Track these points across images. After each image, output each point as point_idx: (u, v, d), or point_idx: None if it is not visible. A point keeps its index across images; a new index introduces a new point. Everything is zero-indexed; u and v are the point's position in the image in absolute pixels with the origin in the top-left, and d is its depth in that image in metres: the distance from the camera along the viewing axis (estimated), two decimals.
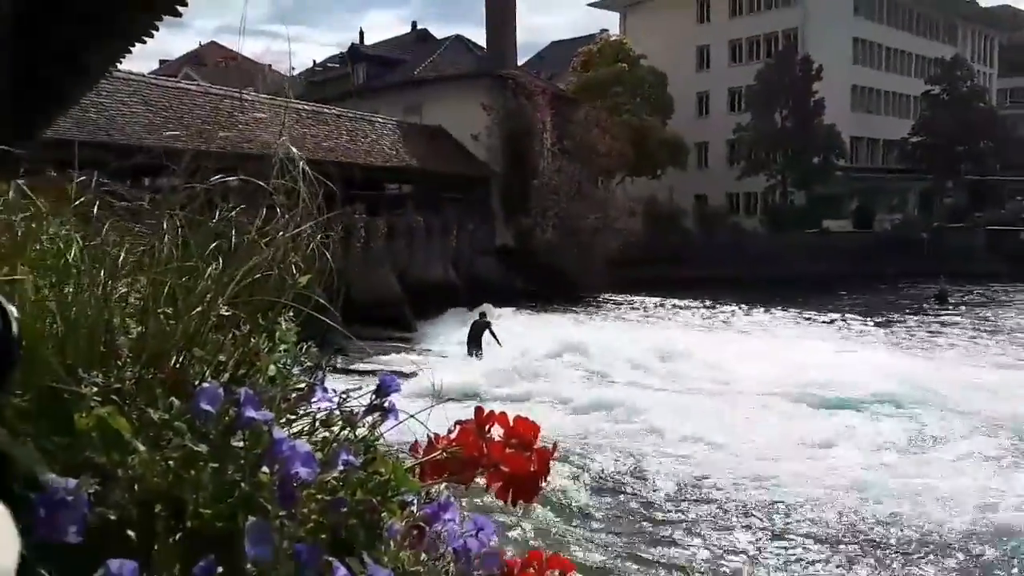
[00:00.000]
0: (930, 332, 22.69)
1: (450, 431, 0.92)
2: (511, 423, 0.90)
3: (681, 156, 42.70)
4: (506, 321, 23.09)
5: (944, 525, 8.61)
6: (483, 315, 19.56)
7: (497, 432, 0.91)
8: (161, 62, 49.28)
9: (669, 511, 9.40)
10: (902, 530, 8.60)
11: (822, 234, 40.72)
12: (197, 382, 0.82)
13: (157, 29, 6.98)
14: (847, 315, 25.63)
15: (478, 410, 0.91)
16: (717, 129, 47.35)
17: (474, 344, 18.77)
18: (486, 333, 18.85)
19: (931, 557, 8.02)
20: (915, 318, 25.36)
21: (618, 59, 41.90)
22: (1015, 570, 7.79)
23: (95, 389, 0.73)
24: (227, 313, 0.96)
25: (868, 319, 24.99)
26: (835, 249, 38.62)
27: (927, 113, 47.16)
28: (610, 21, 56.58)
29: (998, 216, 44.69)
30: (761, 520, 9.02)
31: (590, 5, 57.30)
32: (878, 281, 34.41)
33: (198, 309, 0.93)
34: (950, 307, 27.40)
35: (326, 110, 28.01)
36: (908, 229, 42.39)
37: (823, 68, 41.38)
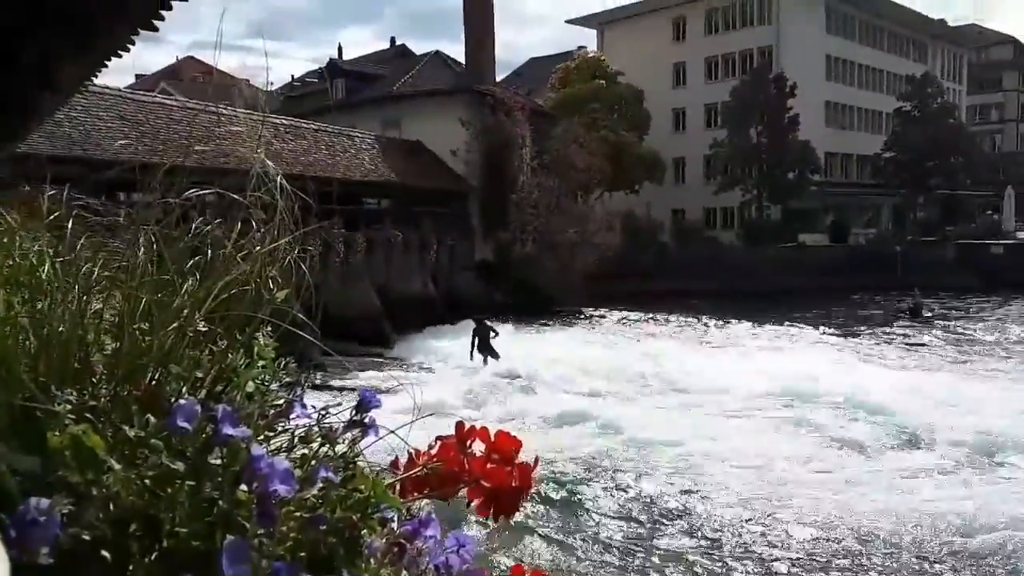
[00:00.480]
0: (906, 345, 22.94)
1: (431, 447, 0.91)
2: (492, 438, 0.90)
3: (658, 171, 43.08)
4: None
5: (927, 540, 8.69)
6: (479, 320, 19.38)
7: (479, 447, 0.91)
8: (137, 76, 48.95)
9: (657, 527, 9.38)
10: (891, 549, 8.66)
11: (798, 248, 41.17)
12: (174, 399, 0.81)
13: (133, 43, 6.92)
14: (824, 328, 25.90)
15: (459, 425, 0.90)
16: (694, 145, 47.89)
17: (486, 349, 18.65)
18: (491, 334, 18.77)
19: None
20: (890, 331, 25.66)
21: (595, 76, 42.28)
22: None
23: (69, 407, 0.72)
24: (204, 329, 0.94)
25: (845, 331, 25.28)
26: (811, 263, 39.05)
27: (899, 129, 48.02)
28: (587, 38, 57.14)
29: (969, 230, 45.49)
30: (750, 536, 9.04)
31: (568, 22, 57.98)
32: (854, 294, 34.81)
33: (174, 325, 0.91)
34: (924, 320, 27.76)
35: (304, 125, 27.95)
36: (882, 243, 42.97)
37: (797, 85, 42.02)
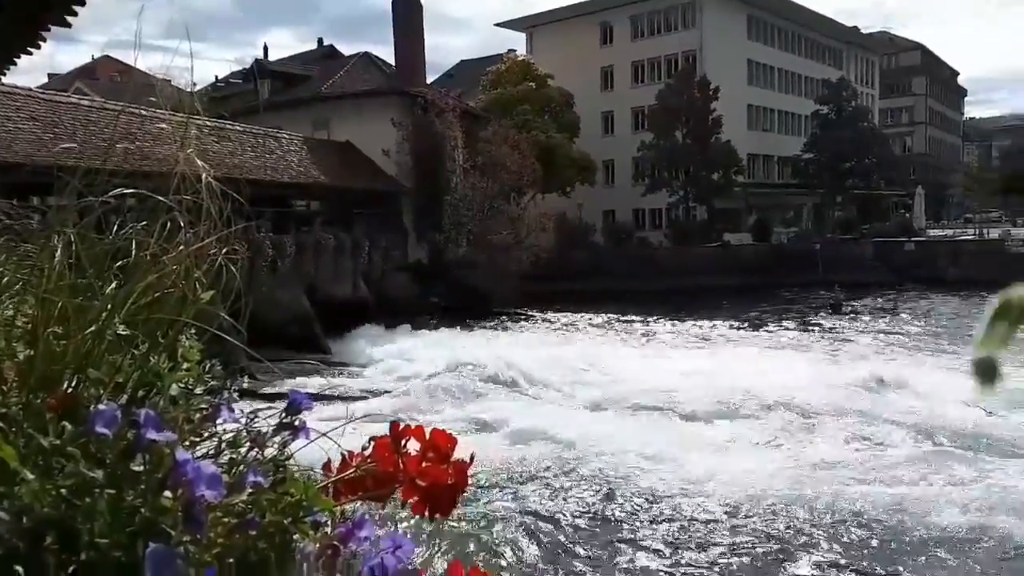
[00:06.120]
0: (828, 340, 23.78)
1: (365, 448, 0.90)
2: (427, 436, 0.89)
3: (589, 173, 43.63)
4: (420, 339, 22.94)
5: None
6: None
7: (413, 447, 0.90)
8: (50, 76, 46.83)
9: (585, 524, 9.49)
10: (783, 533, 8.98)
11: (724, 247, 42.31)
12: (93, 404, 0.77)
13: (44, 40, 6.63)
14: (747, 324, 26.73)
15: (393, 425, 0.89)
16: (622, 147, 48.67)
17: None
18: None
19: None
20: (812, 326, 26.61)
21: (525, 78, 42.54)
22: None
23: None
24: (125, 332, 0.91)
25: (770, 327, 26.11)
26: (737, 261, 40.21)
27: (817, 131, 49.88)
28: (517, 41, 57.45)
29: (884, 228, 47.62)
30: (672, 532, 9.24)
31: (497, 25, 58.07)
32: (778, 291, 35.97)
33: (92, 328, 0.88)
34: (844, 315, 28.92)
35: (229, 126, 27.20)
36: (803, 241, 44.56)
37: (720, 88, 43.15)
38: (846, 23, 62.43)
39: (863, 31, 67.59)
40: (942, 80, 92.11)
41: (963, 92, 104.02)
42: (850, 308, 30.41)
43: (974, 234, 46.04)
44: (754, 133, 51.68)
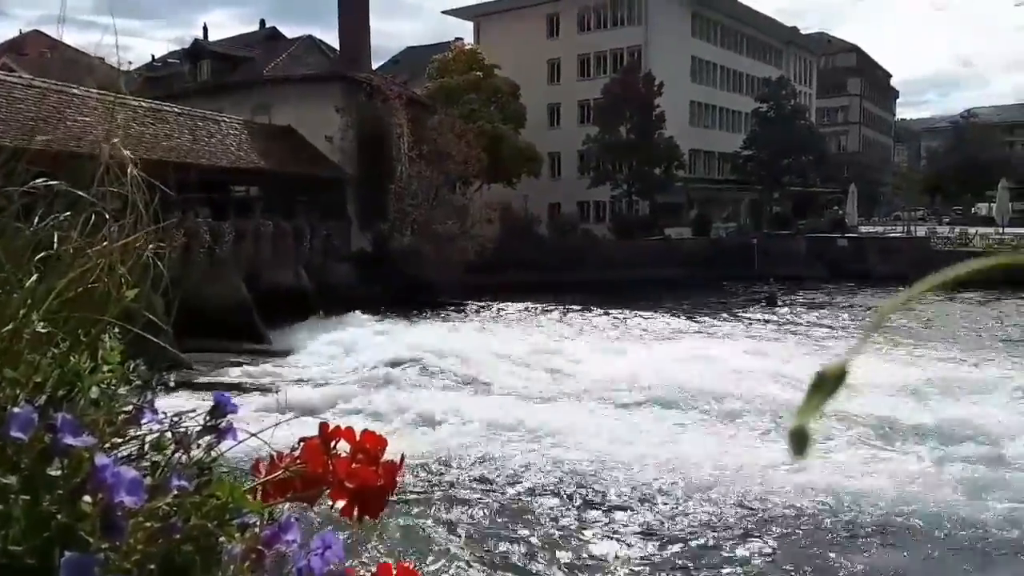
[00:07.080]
0: (763, 331, 24.46)
1: (294, 448, 0.89)
2: (358, 437, 0.89)
3: (535, 165, 43.76)
4: (362, 328, 22.70)
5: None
6: None
7: (344, 448, 0.90)
8: None
9: (521, 517, 9.56)
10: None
11: (665, 241, 43.04)
12: (9, 406, 0.75)
13: None
14: (687, 316, 27.29)
15: (323, 426, 0.89)
16: (568, 140, 48.96)
17: None
18: None
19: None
20: (749, 318, 27.32)
21: (472, 67, 42.37)
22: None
23: None
24: (44, 330, 0.88)
25: (708, 319, 26.70)
26: (678, 254, 40.99)
27: (756, 129, 51.05)
28: (464, 30, 57.11)
29: (817, 224, 49.12)
30: (614, 520, 9.39)
31: (444, 13, 57.60)
32: (717, 284, 36.77)
33: (9, 326, 0.85)
34: (779, 308, 29.78)
35: (166, 108, 26.36)
36: (741, 236, 45.62)
37: (664, 84, 43.73)
38: (786, 23, 64.07)
39: (802, 31, 69.40)
40: (876, 81, 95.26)
41: (895, 94, 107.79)
42: (783, 301, 31.35)
43: (902, 231, 47.84)
44: (696, 129, 52.58)
